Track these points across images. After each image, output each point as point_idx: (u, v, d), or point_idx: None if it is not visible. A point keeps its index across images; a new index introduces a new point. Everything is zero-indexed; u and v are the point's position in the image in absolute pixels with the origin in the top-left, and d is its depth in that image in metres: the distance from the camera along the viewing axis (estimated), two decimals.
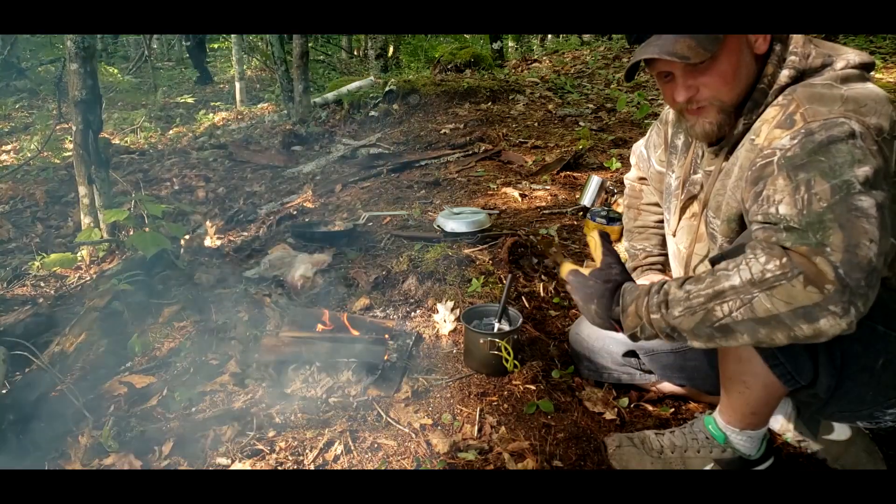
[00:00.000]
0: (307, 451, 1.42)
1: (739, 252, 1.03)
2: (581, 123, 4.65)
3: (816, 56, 1.13)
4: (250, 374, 1.72)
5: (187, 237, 2.83)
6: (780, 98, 1.12)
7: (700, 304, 1.02)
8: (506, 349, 1.65)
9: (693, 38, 1.12)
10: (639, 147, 1.70)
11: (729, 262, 1.03)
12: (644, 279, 1.64)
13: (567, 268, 1.29)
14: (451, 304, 1.95)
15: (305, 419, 1.53)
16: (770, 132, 1.08)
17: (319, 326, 1.88)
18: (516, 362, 1.68)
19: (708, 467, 1.34)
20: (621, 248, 2.42)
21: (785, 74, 1.14)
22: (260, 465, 1.37)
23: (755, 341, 0.99)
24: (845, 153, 0.97)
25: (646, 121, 4.49)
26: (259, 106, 7.61)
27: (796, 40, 1.16)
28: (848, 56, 1.11)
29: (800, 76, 1.13)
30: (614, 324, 1.18)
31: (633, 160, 1.74)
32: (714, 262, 1.18)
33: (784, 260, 0.95)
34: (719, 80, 1.16)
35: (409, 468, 1.37)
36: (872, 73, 1.13)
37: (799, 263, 0.94)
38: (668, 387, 1.63)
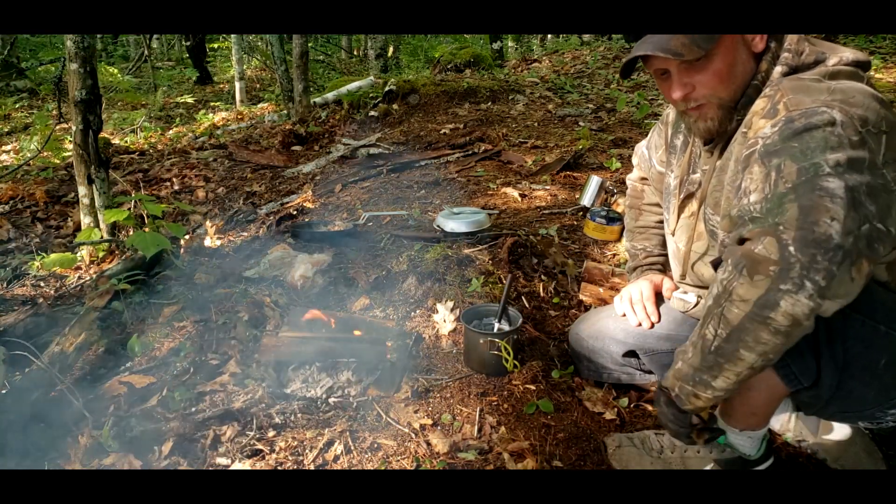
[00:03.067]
0: (307, 451, 1.42)
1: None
2: (581, 123, 4.65)
3: (810, 53, 1.13)
4: (250, 374, 1.72)
5: (187, 237, 2.83)
6: (767, 90, 1.12)
7: (697, 334, 1.08)
8: (506, 349, 1.65)
9: (688, 35, 1.12)
10: (641, 147, 1.70)
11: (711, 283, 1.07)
12: (644, 279, 1.64)
13: None
14: (451, 304, 1.95)
15: (305, 419, 1.53)
16: (757, 123, 1.08)
17: (313, 313, 1.88)
18: (516, 362, 1.68)
19: (708, 467, 1.34)
20: (621, 247, 2.42)
21: (778, 71, 1.14)
22: (260, 465, 1.37)
23: (756, 354, 1.00)
24: (819, 139, 0.96)
25: (646, 121, 4.49)
26: (259, 106, 7.61)
27: (791, 38, 1.16)
28: (842, 54, 1.11)
29: (792, 72, 1.13)
30: (670, 397, 1.18)
31: (635, 160, 1.74)
32: (715, 265, 1.18)
33: (730, 261, 0.99)
34: (715, 78, 1.16)
35: (409, 468, 1.37)
36: (869, 72, 1.13)
37: (743, 256, 0.96)
38: None
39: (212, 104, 8.18)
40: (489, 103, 5.38)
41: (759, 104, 1.11)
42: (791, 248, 0.91)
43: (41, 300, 2.35)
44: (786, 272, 0.91)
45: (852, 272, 0.91)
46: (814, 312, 0.93)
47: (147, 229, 2.31)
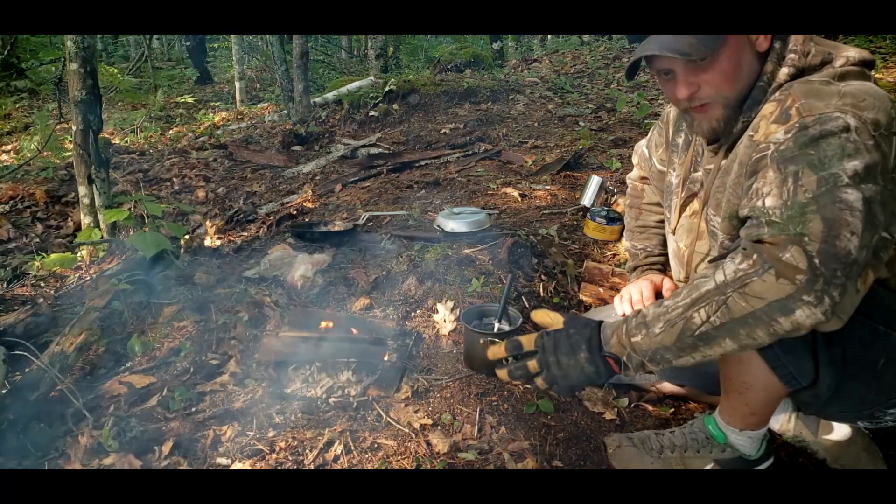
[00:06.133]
0: (307, 451, 1.42)
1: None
2: (581, 123, 4.65)
3: (816, 54, 1.13)
4: (250, 374, 1.72)
5: (187, 237, 2.83)
6: (777, 94, 1.12)
7: (679, 314, 1.03)
8: None
9: (694, 35, 1.12)
10: (641, 146, 1.70)
11: (707, 269, 1.05)
12: (644, 279, 1.64)
13: (536, 331, 1.23)
14: (451, 304, 1.95)
15: (305, 419, 1.53)
16: (767, 127, 1.08)
17: (323, 324, 1.88)
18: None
19: (708, 467, 1.34)
20: (621, 247, 2.42)
21: (784, 72, 1.14)
22: (260, 465, 1.37)
23: (739, 345, 0.99)
24: (836, 146, 0.97)
25: (646, 121, 4.49)
26: (259, 106, 7.61)
27: (796, 38, 1.15)
28: (848, 53, 1.11)
29: (799, 74, 1.13)
30: (610, 361, 1.13)
31: (635, 160, 1.74)
32: (715, 262, 1.19)
33: (755, 257, 0.97)
34: (720, 78, 1.15)
35: (409, 468, 1.37)
36: (873, 71, 1.13)
37: (769, 258, 0.95)
38: (668, 387, 1.63)
39: (212, 104, 8.19)
40: (489, 103, 5.38)
41: (769, 108, 1.10)
42: (816, 261, 0.91)
43: (41, 300, 2.35)
44: (812, 284, 0.91)
45: (858, 284, 0.93)
46: (818, 325, 0.94)
47: (147, 229, 2.31)
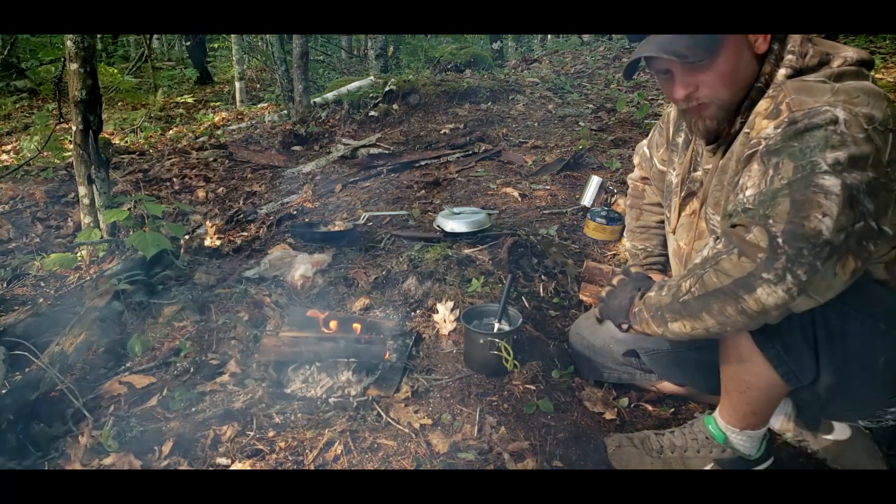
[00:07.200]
0: (307, 451, 1.42)
1: None
2: (581, 123, 4.65)
3: (814, 55, 1.13)
4: (250, 374, 1.72)
5: (187, 237, 2.83)
6: (770, 91, 1.12)
7: (676, 282, 1.13)
8: (506, 349, 1.65)
9: (692, 36, 1.12)
10: (642, 147, 1.70)
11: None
12: None
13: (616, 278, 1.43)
14: (451, 304, 1.95)
15: (305, 419, 1.53)
16: (759, 123, 1.09)
17: (323, 318, 1.88)
18: (516, 362, 1.68)
19: (708, 467, 1.34)
20: (622, 247, 2.42)
21: (782, 73, 1.14)
22: (260, 465, 1.37)
23: (716, 322, 1.04)
24: (820, 138, 0.97)
25: (646, 121, 4.48)
26: (259, 106, 7.60)
27: (794, 39, 1.16)
28: (846, 54, 1.11)
29: (796, 75, 1.13)
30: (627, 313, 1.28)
31: (636, 160, 1.74)
32: None
33: (725, 239, 1.03)
34: (717, 80, 1.16)
35: (409, 468, 1.37)
36: (872, 71, 1.13)
37: (736, 239, 1.01)
38: (668, 387, 1.63)
39: (212, 104, 8.18)
40: (489, 103, 5.38)
41: (763, 105, 1.11)
42: (779, 240, 0.94)
43: (41, 300, 2.35)
44: (771, 262, 0.94)
45: (836, 268, 0.93)
46: (785, 305, 0.96)
47: (147, 229, 2.31)
